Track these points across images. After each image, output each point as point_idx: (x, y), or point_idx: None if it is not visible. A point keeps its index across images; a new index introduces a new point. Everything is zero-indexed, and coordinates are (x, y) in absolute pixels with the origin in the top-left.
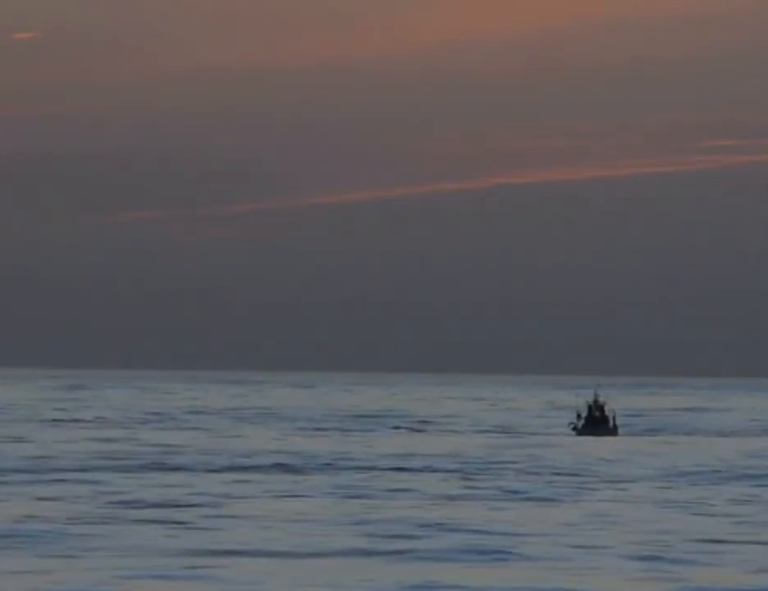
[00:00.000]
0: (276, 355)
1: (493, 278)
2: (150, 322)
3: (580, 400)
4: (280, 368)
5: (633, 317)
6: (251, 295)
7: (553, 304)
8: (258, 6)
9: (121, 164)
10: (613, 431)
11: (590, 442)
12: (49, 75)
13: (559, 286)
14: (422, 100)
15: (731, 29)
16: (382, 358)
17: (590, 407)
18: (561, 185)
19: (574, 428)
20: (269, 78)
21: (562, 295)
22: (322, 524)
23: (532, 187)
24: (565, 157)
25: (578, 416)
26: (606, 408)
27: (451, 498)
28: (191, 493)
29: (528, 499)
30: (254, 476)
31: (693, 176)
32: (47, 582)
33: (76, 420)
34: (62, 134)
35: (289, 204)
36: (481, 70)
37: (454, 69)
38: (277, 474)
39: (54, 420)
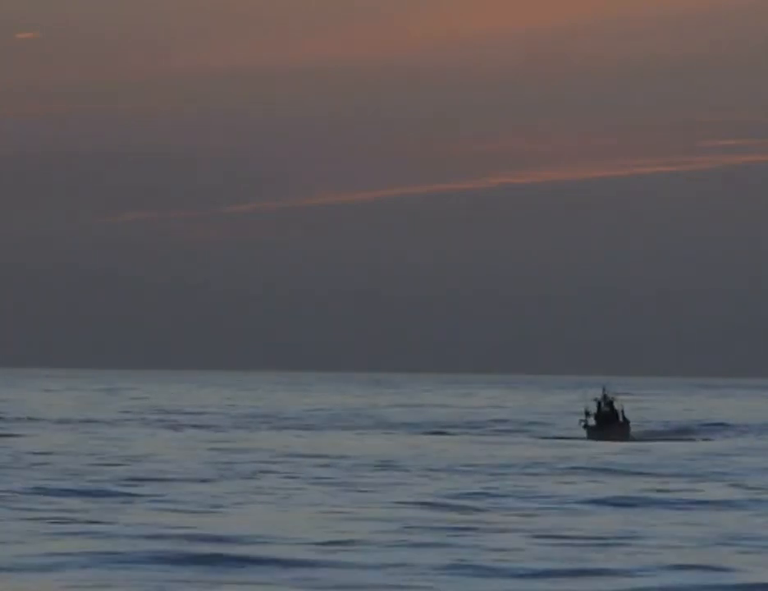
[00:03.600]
0: (275, 354)
1: (493, 278)
2: (151, 322)
3: (588, 397)
4: (278, 367)
5: (634, 316)
6: (253, 295)
7: (553, 303)
8: (257, 7)
9: (123, 164)
10: (624, 425)
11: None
12: (51, 75)
13: (559, 286)
14: (422, 100)
15: (732, 29)
16: (385, 358)
17: (599, 403)
18: (562, 185)
19: (586, 426)
20: (269, 78)
21: (562, 295)
22: None
23: (533, 187)
24: (566, 157)
25: (587, 413)
26: (615, 403)
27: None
28: None
29: None
30: None
31: (693, 176)
32: None
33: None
34: (63, 134)
35: (289, 204)
36: (481, 69)
37: (454, 69)
38: None
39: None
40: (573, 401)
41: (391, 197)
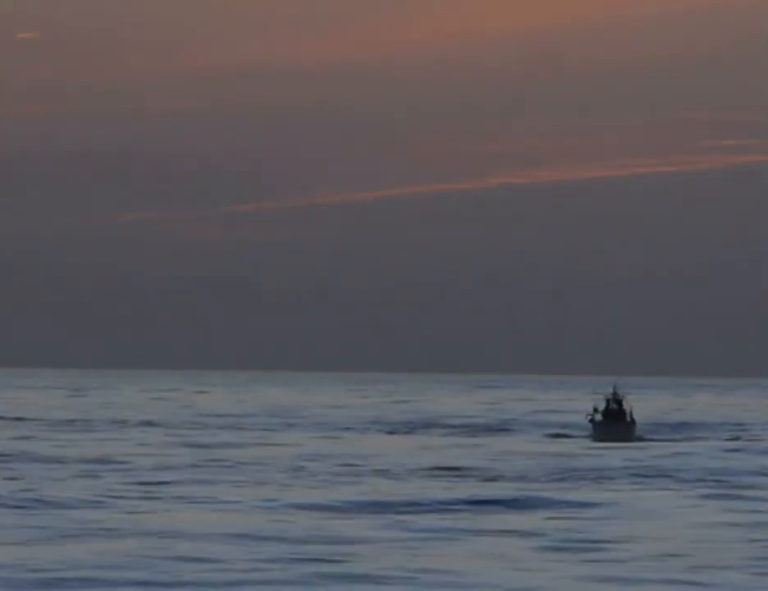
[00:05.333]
0: (276, 354)
1: (493, 277)
2: (151, 322)
3: (598, 395)
4: (280, 367)
5: (635, 317)
6: (252, 295)
7: (553, 304)
8: (257, 6)
9: (123, 164)
10: (631, 424)
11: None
12: (52, 75)
13: (559, 286)
14: (422, 100)
15: (732, 29)
16: (385, 358)
17: (608, 401)
18: (562, 185)
19: (591, 421)
20: (269, 78)
21: (562, 295)
22: None
23: (533, 187)
24: (566, 157)
25: (595, 410)
26: (624, 402)
27: None
28: None
29: None
30: None
31: (693, 176)
32: None
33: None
34: (63, 134)
35: (289, 204)
36: (481, 69)
37: (454, 68)
38: None
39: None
40: (566, 401)
41: (392, 197)
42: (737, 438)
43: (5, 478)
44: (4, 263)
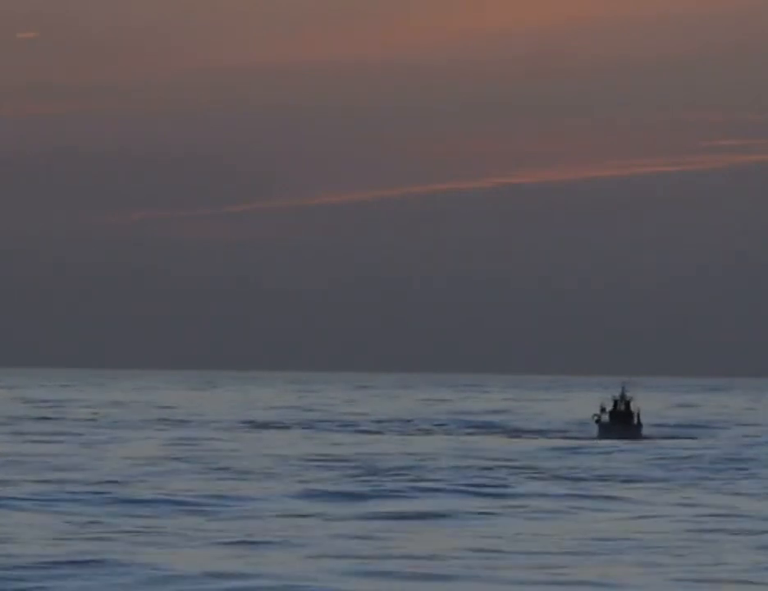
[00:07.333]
0: (278, 354)
1: (492, 277)
2: (153, 321)
3: (607, 395)
4: (281, 367)
5: (633, 316)
6: (252, 294)
7: (552, 304)
8: (256, 5)
9: (123, 164)
10: (637, 427)
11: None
12: (52, 75)
13: (559, 286)
14: (421, 100)
15: (732, 29)
16: (385, 358)
17: (615, 402)
18: (561, 185)
19: (598, 421)
20: (270, 78)
21: (562, 295)
22: None
23: (532, 187)
24: (565, 157)
25: (603, 409)
26: (632, 404)
27: None
28: None
29: None
30: None
31: (693, 176)
32: None
33: None
34: (64, 134)
35: (289, 204)
36: (480, 69)
37: (453, 68)
38: None
39: None
40: (561, 401)
41: (391, 197)
42: None
43: None
44: (8, 263)
